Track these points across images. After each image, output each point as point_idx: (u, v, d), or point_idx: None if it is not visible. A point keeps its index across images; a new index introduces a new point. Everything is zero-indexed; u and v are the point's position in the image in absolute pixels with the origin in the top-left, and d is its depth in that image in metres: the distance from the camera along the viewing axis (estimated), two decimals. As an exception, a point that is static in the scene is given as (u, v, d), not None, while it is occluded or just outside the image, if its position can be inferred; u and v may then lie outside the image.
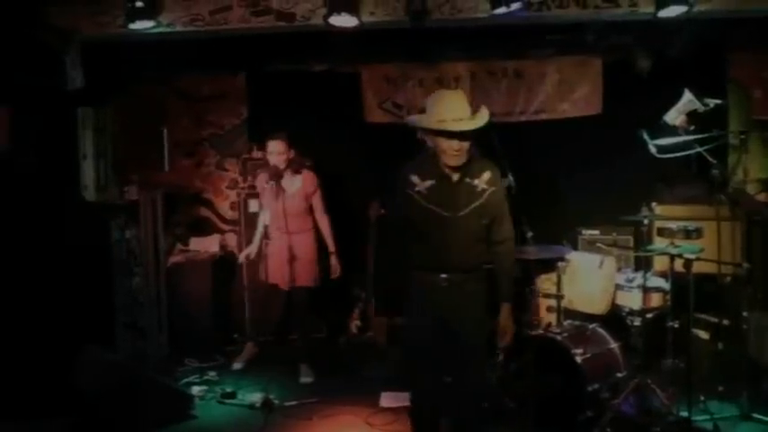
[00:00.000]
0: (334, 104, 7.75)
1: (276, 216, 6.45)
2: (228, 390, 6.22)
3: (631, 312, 5.63)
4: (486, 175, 4.31)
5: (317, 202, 6.62)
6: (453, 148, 4.13)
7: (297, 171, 6.54)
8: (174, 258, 7.61)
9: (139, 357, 6.69)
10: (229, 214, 8.23)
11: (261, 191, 6.70)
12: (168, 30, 6.30)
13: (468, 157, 4.22)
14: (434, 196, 4.26)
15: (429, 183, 4.28)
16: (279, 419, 5.68)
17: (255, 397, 5.99)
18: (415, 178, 4.30)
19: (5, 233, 5.97)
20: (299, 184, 6.52)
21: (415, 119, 4.38)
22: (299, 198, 6.51)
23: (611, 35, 6.96)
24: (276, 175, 6.34)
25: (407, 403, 5.69)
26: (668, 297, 5.46)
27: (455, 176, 4.27)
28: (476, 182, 4.29)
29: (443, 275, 4.29)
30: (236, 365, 6.84)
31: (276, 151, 6.39)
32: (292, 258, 6.33)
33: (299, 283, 6.42)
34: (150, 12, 6.10)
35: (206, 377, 6.56)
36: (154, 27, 6.16)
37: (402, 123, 7.58)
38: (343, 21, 5.98)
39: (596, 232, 7.08)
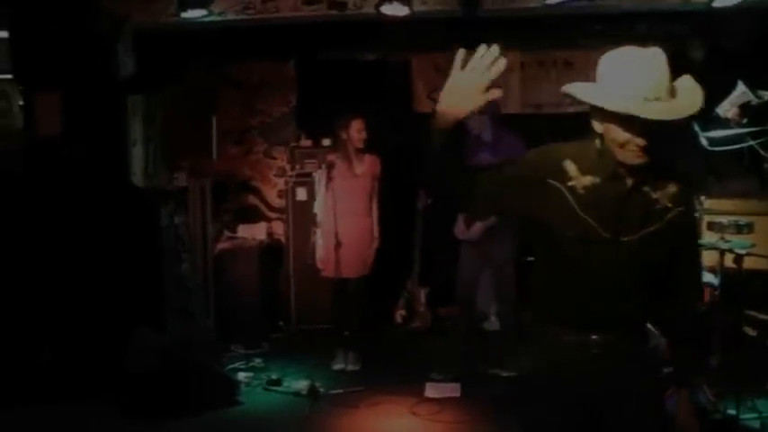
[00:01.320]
0: (384, 94, 7.79)
1: (330, 198, 6.34)
2: (274, 377, 6.30)
3: (679, 307, 5.57)
4: (672, 188, 2.81)
5: (376, 188, 6.60)
6: (638, 143, 2.65)
7: (364, 152, 6.55)
8: (222, 245, 7.71)
9: (188, 342, 6.78)
10: (277, 202, 8.33)
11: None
12: (220, 18, 6.39)
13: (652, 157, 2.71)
14: (594, 203, 2.76)
15: (590, 180, 2.79)
16: (324, 407, 5.73)
17: (301, 384, 6.03)
18: (571, 167, 2.81)
19: (59, 218, 6.12)
20: (368, 165, 6.53)
21: (585, 90, 2.89)
22: (367, 179, 6.50)
23: (664, 25, 6.92)
24: (342, 158, 6.46)
25: (452, 394, 5.82)
26: (717, 293, 5.42)
27: (630, 181, 2.78)
28: (657, 195, 2.80)
29: (593, 336, 2.79)
30: (337, 366, 6.64)
31: (360, 129, 6.44)
32: (338, 244, 6.18)
33: (345, 272, 6.31)
34: (202, 0, 6.19)
35: (252, 364, 6.66)
36: (206, 15, 6.25)
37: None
38: (395, 9, 6.03)
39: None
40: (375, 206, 6.60)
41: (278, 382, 6.23)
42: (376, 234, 6.58)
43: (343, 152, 6.47)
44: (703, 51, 7.16)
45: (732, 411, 5.05)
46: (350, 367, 6.58)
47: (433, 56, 7.95)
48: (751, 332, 5.88)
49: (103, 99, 6.40)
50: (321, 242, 6.50)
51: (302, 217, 7.30)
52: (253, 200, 8.39)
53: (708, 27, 6.75)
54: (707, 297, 5.52)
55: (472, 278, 6.34)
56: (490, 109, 5.81)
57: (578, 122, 7.73)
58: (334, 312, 6.69)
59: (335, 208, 6.21)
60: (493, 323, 7.66)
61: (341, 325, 6.64)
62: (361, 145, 6.46)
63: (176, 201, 6.87)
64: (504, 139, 5.98)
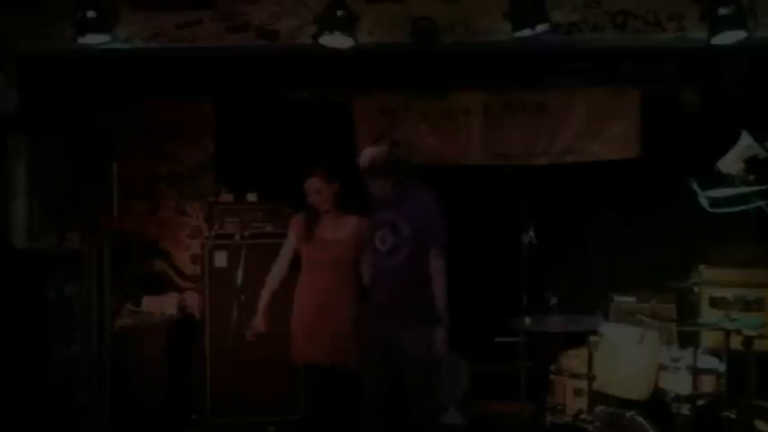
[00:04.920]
0: (321, 141, 7.71)
1: (307, 269, 6.17)
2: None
3: (678, 398, 5.57)
4: None
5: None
6: None
7: (347, 211, 6.17)
8: (123, 321, 7.54)
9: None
10: (190, 269, 8.19)
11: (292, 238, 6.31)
12: (125, 46, 6.31)
13: None
14: None
15: None
16: None
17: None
18: None
19: None
20: (349, 230, 6.13)
21: None
22: (345, 246, 6.09)
23: (654, 64, 6.99)
24: (311, 220, 6.14)
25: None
26: (723, 380, 5.40)
27: None
28: None
29: None
30: None
31: (313, 190, 6.04)
32: (318, 326, 6.02)
33: (309, 357, 6.13)
34: (104, 23, 6.08)
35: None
36: (108, 42, 6.15)
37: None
38: (336, 41, 6.01)
39: (632, 299, 7.01)
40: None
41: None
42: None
43: (308, 214, 6.17)
44: (699, 95, 7.24)
45: None
46: None
47: (378, 96, 7.93)
48: (764, 427, 5.83)
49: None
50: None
51: (221, 287, 7.13)
52: (161, 266, 8.23)
53: (705, 67, 6.84)
54: (710, 386, 5.50)
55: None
56: (391, 167, 5.67)
57: (552, 176, 7.81)
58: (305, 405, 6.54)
59: (301, 281, 6.11)
60: (452, 415, 7.54)
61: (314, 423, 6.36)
62: (325, 206, 6.09)
63: (67, 267, 6.69)
64: (411, 194, 5.72)
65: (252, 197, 7.58)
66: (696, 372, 5.45)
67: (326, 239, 6.09)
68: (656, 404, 5.74)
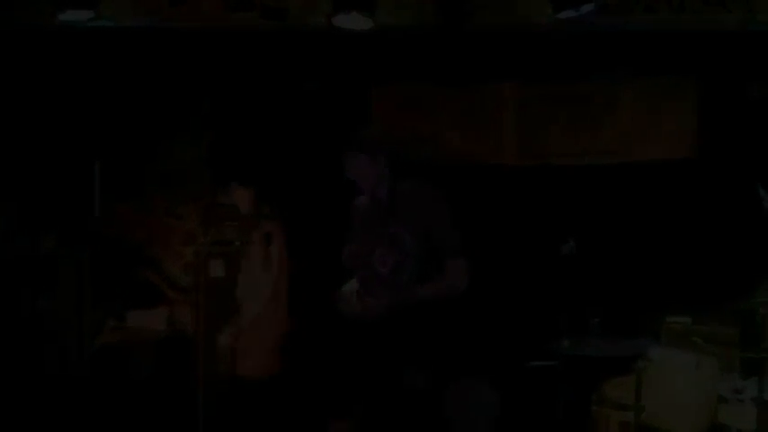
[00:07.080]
0: (334, 135, 7.67)
1: None
2: None
3: (741, 435, 5.49)
4: None
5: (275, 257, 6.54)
6: None
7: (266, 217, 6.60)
8: (105, 338, 7.54)
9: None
10: (182, 279, 8.12)
11: None
12: (111, 24, 6.30)
13: None
14: None
15: None
16: None
17: None
18: None
19: None
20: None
21: None
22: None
23: (715, 50, 6.92)
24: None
25: None
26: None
27: None
28: None
29: None
30: None
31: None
32: None
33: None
34: (87, -1, 6.08)
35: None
36: (91, 20, 6.14)
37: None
38: (354, 22, 6.03)
39: (687, 320, 6.93)
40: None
41: None
42: None
43: None
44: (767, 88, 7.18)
45: None
46: None
47: (401, 85, 7.90)
48: None
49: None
50: None
51: (217, 299, 7.16)
52: (149, 275, 8.18)
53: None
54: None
55: None
56: (376, 144, 5.24)
57: (596, 178, 7.73)
58: None
59: None
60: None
61: None
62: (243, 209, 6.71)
63: (42, 276, 6.68)
64: (407, 197, 5.16)
65: (253, 198, 7.59)
66: (762, 405, 5.36)
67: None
68: (716, 441, 5.68)
